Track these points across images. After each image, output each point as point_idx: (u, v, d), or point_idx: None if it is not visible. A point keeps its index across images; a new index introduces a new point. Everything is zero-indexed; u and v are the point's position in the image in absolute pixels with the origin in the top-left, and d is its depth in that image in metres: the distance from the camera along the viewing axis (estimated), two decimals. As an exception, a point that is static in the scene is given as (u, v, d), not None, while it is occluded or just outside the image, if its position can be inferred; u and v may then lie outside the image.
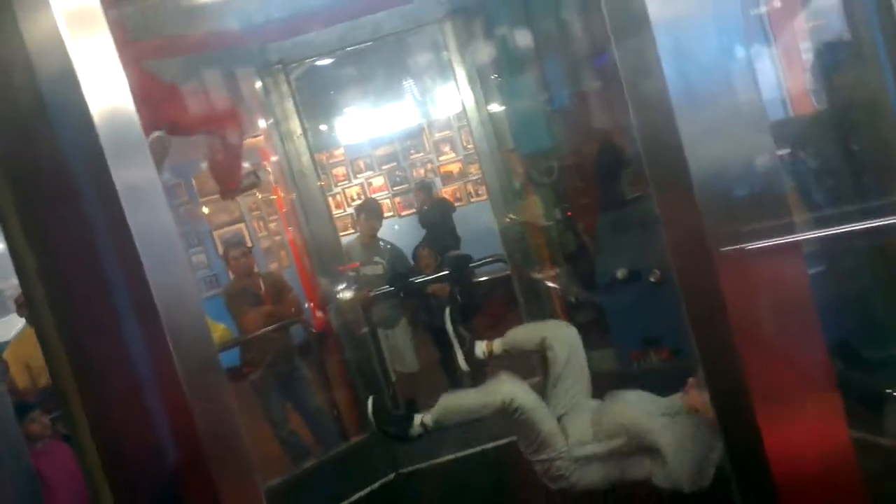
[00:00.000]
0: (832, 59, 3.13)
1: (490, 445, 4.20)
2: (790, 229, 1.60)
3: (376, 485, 4.19)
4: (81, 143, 1.31)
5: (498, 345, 3.43)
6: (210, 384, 1.39)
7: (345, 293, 4.66)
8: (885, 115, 2.43)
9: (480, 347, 3.47)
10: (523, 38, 4.81)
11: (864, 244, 2.82)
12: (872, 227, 2.43)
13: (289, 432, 4.69)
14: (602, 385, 3.18)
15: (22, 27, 1.30)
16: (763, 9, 5.15)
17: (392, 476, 4.30)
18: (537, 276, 4.67)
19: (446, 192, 8.63)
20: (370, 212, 5.49)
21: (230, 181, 4.06)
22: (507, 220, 4.74)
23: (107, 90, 1.35)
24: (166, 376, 1.34)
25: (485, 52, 4.73)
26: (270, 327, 4.63)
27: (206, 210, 8.23)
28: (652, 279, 3.94)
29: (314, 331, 4.93)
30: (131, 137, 1.37)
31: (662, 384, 2.92)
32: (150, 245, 1.35)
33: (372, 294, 4.94)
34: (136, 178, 1.36)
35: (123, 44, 1.45)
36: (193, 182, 8.18)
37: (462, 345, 3.62)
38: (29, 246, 1.34)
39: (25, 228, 1.34)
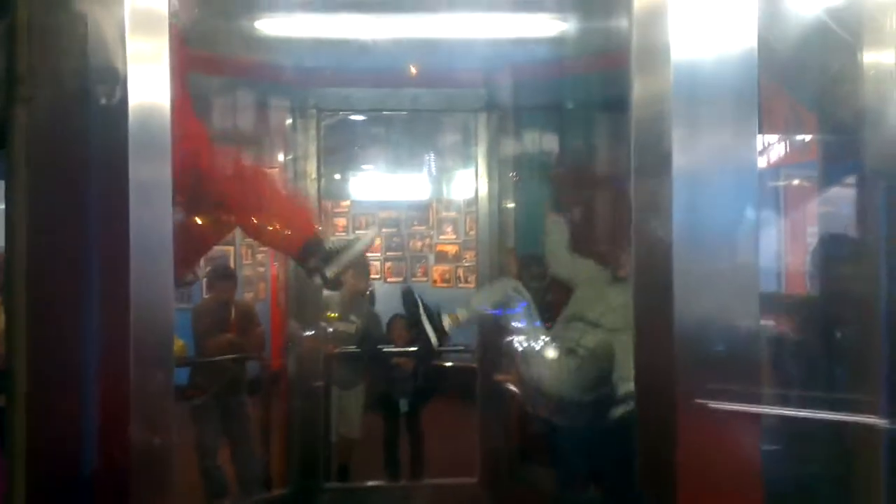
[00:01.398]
0: (834, 250, 3.22)
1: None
2: (756, 399, 1.62)
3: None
4: (111, 135, 1.33)
5: (462, 314, 3.53)
6: (156, 400, 1.38)
7: (312, 342, 4.62)
8: (872, 317, 2.48)
9: (447, 321, 3.55)
10: (549, 148, 4.96)
11: (823, 433, 2.84)
12: (837, 419, 2.46)
13: (215, 465, 4.57)
14: None
15: (90, 10, 1.35)
16: (781, 182, 5.33)
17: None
18: (501, 377, 4.65)
19: (437, 269, 8.68)
20: (360, 270, 5.50)
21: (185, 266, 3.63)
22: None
23: (149, 92, 1.39)
24: (115, 381, 1.33)
25: (509, 150, 4.86)
26: (229, 356, 4.57)
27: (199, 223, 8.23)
28: (612, 411, 3.92)
29: (270, 371, 4.87)
30: (159, 141, 1.40)
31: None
32: (143, 247, 1.36)
33: (337, 350, 4.90)
34: (150, 179, 1.38)
35: (177, 49, 1.50)
36: (196, 194, 8.21)
37: (431, 321, 3.75)
38: (27, 216, 1.35)
39: (30, 200, 1.35)
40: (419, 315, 3.85)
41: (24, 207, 1.35)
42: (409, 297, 4.02)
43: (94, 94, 1.33)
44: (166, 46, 1.41)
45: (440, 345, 4.13)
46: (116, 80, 1.33)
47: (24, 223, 1.35)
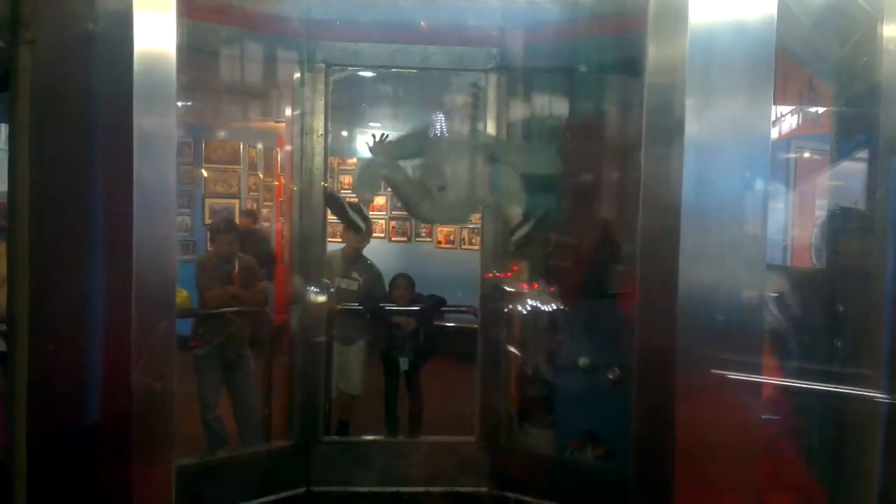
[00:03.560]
0: (843, 224, 3.20)
1: (406, 489, 4.16)
2: (757, 369, 1.62)
3: (284, 494, 4.11)
4: (116, 80, 1.32)
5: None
6: (158, 348, 1.38)
7: (315, 298, 4.63)
8: (877, 291, 2.47)
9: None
10: (558, 112, 4.89)
11: (820, 405, 2.85)
12: (838, 392, 2.47)
13: (215, 417, 4.63)
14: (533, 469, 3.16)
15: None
16: (793, 155, 5.28)
17: (302, 490, 4.22)
18: (502, 337, 4.67)
19: (442, 230, 8.66)
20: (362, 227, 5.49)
21: None
22: (489, 275, 4.76)
23: (155, 39, 1.36)
24: (118, 329, 1.33)
25: (519, 112, 4.80)
26: (231, 309, 4.59)
27: (205, 174, 8.23)
28: (610, 376, 3.95)
29: (272, 325, 4.89)
30: (164, 89, 1.38)
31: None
32: (147, 196, 1.35)
33: (340, 307, 4.92)
34: (154, 128, 1.37)
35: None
36: (203, 146, 8.19)
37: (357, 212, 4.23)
38: (30, 161, 1.34)
39: (32, 144, 1.34)
40: (345, 208, 4.21)
41: (26, 151, 1.34)
42: (333, 199, 4.46)
43: (98, 38, 1.31)
44: (173, -4, 1.38)
45: (367, 231, 4.62)
46: (122, 25, 1.31)
47: (27, 167, 1.34)
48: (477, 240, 7.49)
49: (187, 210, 7.99)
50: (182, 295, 4.56)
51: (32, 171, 1.33)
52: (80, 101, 1.33)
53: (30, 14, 1.31)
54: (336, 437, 4.79)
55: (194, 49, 4.22)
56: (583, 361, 4.23)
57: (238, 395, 4.76)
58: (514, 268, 4.85)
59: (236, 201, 8.23)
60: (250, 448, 4.47)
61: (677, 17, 1.62)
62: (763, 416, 1.70)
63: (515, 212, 4.18)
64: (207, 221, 7.89)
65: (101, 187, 1.33)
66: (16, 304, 1.38)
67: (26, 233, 1.35)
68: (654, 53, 1.72)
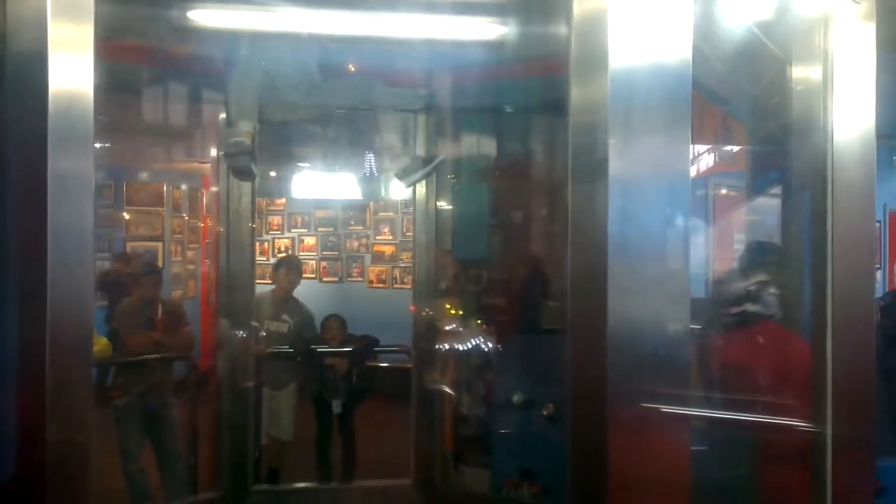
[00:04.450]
0: (759, 258, 3.32)
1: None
2: (685, 401, 1.65)
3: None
4: (30, 121, 1.27)
5: None
6: (75, 398, 1.31)
7: (243, 342, 4.52)
8: (796, 322, 2.57)
9: None
10: (486, 151, 4.97)
11: (745, 435, 2.92)
12: (758, 422, 2.53)
13: (138, 469, 4.42)
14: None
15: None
16: (711, 191, 5.48)
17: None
18: (436, 376, 4.65)
19: (373, 270, 8.62)
20: (290, 267, 5.43)
21: None
22: (424, 313, 4.75)
23: (72, 79, 1.32)
24: (31, 379, 1.26)
25: (447, 152, 4.85)
26: (155, 356, 4.43)
27: (127, 217, 8.00)
28: (544, 412, 3.97)
29: (198, 371, 4.74)
30: (81, 131, 1.33)
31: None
32: (62, 240, 1.29)
33: (269, 350, 4.81)
34: (71, 170, 1.32)
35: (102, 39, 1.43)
36: (124, 188, 7.97)
37: None
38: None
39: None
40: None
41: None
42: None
43: (11, 78, 1.26)
44: (91, 31, 1.34)
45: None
46: (36, 66, 1.26)
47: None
48: (408, 279, 7.51)
49: (107, 254, 7.74)
50: (101, 342, 4.38)
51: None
52: (-7, 142, 1.27)
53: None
54: (266, 486, 4.66)
55: (116, 89, 4.13)
56: (517, 398, 4.23)
57: (162, 445, 4.56)
58: (447, 305, 4.86)
59: (160, 244, 8.01)
60: (176, 501, 4.29)
61: (598, 60, 1.68)
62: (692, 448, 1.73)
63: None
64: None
65: (14, 232, 1.27)
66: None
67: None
68: (576, 95, 1.77)
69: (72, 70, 1.32)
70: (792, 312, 2.63)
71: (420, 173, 4.34)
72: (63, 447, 1.30)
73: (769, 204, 3.69)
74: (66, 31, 1.32)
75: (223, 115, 4.51)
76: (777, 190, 3.14)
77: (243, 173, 4.20)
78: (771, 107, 2.67)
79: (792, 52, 2.20)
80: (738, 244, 4.99)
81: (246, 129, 4.16)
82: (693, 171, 5.15)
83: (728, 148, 4.87)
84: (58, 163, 1.29)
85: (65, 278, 1.32)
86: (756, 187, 3.93)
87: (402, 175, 4.36)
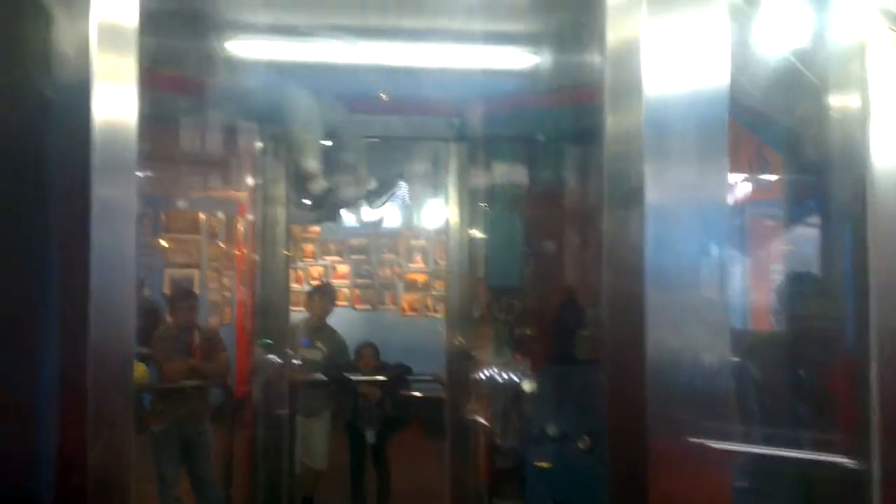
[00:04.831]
0: (798, 288, 3.26)
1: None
2: (727, 435, 1.61)
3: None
4: (74, 151, 1.30)
5: None
6: (116, 425, 1.33)
7: (278, 369, 4.54)
8: (836, 354, 2.50)
9: None
10: (519, 180, 4.98)
11: (786, 469, 2.84)
12: (804, 458, 2.47)
13: (174, 496, 4.44)
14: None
15: (55, 27, 1.32)
16: (747, 219, 5.41)
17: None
18: (469, 406, 4.61)
19: (406, 298, 8.63)
20: (325, 295, 5.46)
21: None
22: (457, 342, 4.73)
23: (115, 109, 1.35)
24: (73, 405, 1.28)
25: (480, 180, 4.87)
26: (191, 382, 4.47)
27: (165, 245, 8.14)
28: (580, 445, 3.91)
29: (234, 398, 4.77)
30: (124, 160, 1.36)
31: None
32: (104, 268, 1.32)
33: (303, 378, 4.83)
34: (113, 199, 1.34)
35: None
36: (163, 216, 8.12)
37: None
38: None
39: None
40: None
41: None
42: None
43: (56, 108, 1.29)
44: (134, 62, 1.38)
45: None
46: (81, 95, 1.30)
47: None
48: (441, 307, 7.50)
49: (146, 281, 7.86)
50: (139, 369, 4.43)
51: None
52: (37, 174, 1.31)
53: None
54: (300, 515, 4.64)
55: (154, 119, 4.22)
56: (552, 430, 4.18)
57: (198, 472, 4.58)
58: (480, 334, 4.84)
59: (196, 271, 8.12)
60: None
61: (632, 88, 1.67)
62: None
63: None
64: (166, 292, 7.77)
65: (57, 259, 1.30)
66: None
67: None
68: (611, 123, 1.76)
69: (115, 100, 1.36)
70: (832, 344, 2.56)
71: (386, 196, 4.22)
72: (104, 473, 1.31)
73: (807, 233, 3.63)
74: (110, 61, 1.35)
75: (259, 144, 4.59)
76: (815, 219, 3.09)
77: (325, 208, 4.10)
78: (808, 135, 2.64)
79: (829, 79, 2.17)
80: (776, 274, 4.91)
81: (315, 168, 4.08)
82: (730, 201, 5.09)
83: (765, 177, 4.81)
84: (101, 191, 1.32)
85: (107, 305, 1.34)
86: (793, 216, 3.87)
87: (370, 199, 4.22)
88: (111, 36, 1.39)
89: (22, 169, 1.35)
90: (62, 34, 1.35)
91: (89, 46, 1.35)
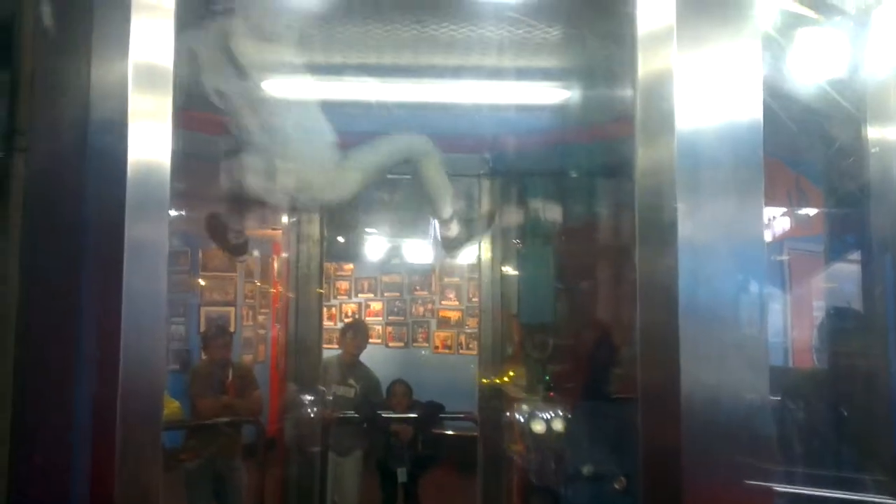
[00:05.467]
0: (840, 324, 3.18)
1: None
2: (766, 475, 1.55)
3: None
4: (108, 189, 1.32)
5: None
6: (143, 461, 1.32)
7: (310, 407, 4.54)
8: (881, 392, 2.42)
9: None
10: (551, 216, 4.96)
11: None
12: (849, 499, 2.37)
13: (206, 533, 4.44)
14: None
15: (94, 65, 1.35)
16: (786, 257, 5.31)
17: None
18: (502, 445, 4.54)
19: (439, 335, 8.60)
20: (358, 332, 5.46)
21: None
22: (489, 379, 4.69)
23: (150, 148, 1.38)
24: (101, 441, 1.28)
25: (512, 217, 4.86)
26: (224, 419, 4.48)
27: (202, 283, 8.24)
28: (616, 486, 3.81)
29: (266, 435, 4.76)
30: (157, 198, 1.38)
31: None
32: (136, 306, 1.32)
33: (336, 415, 4.81)
34: (146, 237, 1.36)
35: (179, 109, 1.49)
36: (200, 254, 8.24)
37: None
38: (20, 271, 1.33)
39: (23, 253, 1.33)
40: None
41: (16, 261, 1.33)
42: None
43: (93, 147, 1.32)
44: (169, 102, 1.40)
45: None
46: (116, 133, 1.32)
47: (17, 277, 1.33)
48: (474, 344, 7.46)
49: (182, 318, 7.95)
50: (172, 406, 4.46)
51: (21, 281, 1.32)
52: (72, 212, 1.33)
53: (25, 122, 1.33)
54: (331, 555, 4.59)
55: (192, 159, 4.30)
56: (587, 469, 4.09)
57: (229, 509, 4.58)
58: (512, 372, 4.79)
59: (232, 308, 8.19)
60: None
61: (664, 122, 1.66)
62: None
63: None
64: (202, 330, 7.84)
65: (90, 297, 1.31)
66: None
67: (12, 345, 1.32)
68: (643, 157, 1.74)
69: (150, 139, 1.38)
70: (877, 380, 2.48)
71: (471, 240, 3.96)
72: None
73: (848, 269, 3.55)
74: (145, 100, 1.38)
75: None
76: (856, 254, 3.03)
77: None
78: (846, 168, 2.59)
79: (867, 110, 2.14)
80: (817, 311, 4.80)
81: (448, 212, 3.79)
82: (768, 236, 5.02)
83: (804, 211, 4.73)
84: (134, 229, 1.34)
85: (138, 343, 1.34)
86: (833, 251, 3.79)
87: (452, 247, 3.93)
88: (148, 75, 1.42)
89: (60, 207, 1.37)
90: (100, 73, 1.38)
91: (127, 85, 1.38)
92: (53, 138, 1.34)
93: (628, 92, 1.80)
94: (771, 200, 4.45)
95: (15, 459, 1.30)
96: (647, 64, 1.72)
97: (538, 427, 4.54)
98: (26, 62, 1.37)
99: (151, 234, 1.38)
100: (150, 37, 1.43)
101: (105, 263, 1.32)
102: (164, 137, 1.42)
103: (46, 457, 1.33)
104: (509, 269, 4.87)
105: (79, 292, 1.31)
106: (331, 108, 3.89)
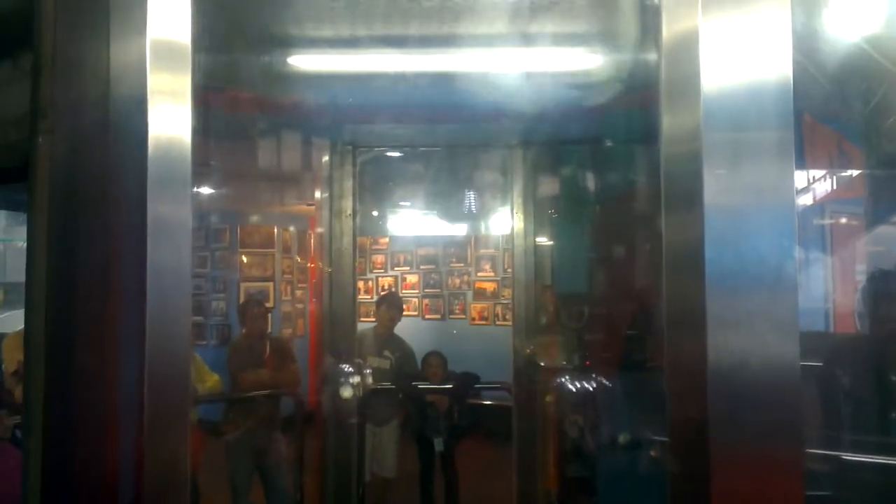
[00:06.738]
0: (885, 288, 3.10)
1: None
2: (797, 439, 1.53)
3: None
4: (129, 167, 1.34)
5: None
6: (172, 433, 1.35)
7: (347, 379, 4.59)
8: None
9: None
10: (586, 186, 4.91)
11: (875, 478, 2.70)
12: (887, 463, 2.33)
13: (247, 503, 4.54)
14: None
15: (112, 44, 1.37)
16: (828, 220, 5.19)
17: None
18: (537, 414, 4.55)
19: (475, 307, 8.62)
20: (391, 304, 5.51)
21: None
22: (525, 349, 4.69)
23: (170, 125, 1.39)
24: (129, 423, 1.31)
25: (546, 187, 4.82)
26: (263, 392, 4.56)
27: (244, 259, 8.36)
28: (652, 453, 3.80)
29: (305, 407, 4.84)
30: (179, 175, 1.40)
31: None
32: (160, 284, 1.35)
33: (372, 387, 4.86)
34: (169, 215, 1.38)
35: (201, 87, 1.50)
36: (238, 231, 8.36)
37: None
38: (48, 249, 1.36)
39: (51, 231, 1.36)
40: None
41: (44, 239, 1.36)
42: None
43: (113, 123, 1.34)
44: (189, 79, 1.41)
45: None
46: (137, 110, 1.34)
47: (45, 255, 1.36)
48: (510, 315, 7.45)
49: (223, 295, 8.09)
50: (213, 379, 4.55)
51: (50, 259, 1.35)
52: (96, 187, 1.35)
53: (47, 103, 1.35)
54: (371, 523, 4.67)
55: (228, 138, 4.35)
56: (623, 438, 4.08)
57: (270, 480, 4.68)
58: (549, 342, 4.78)
59: (271, 284, 8.31)
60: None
61: (689, 84, 1.62)
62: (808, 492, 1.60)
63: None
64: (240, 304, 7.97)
65: (116, 273, 1.34)
66: (32, 394, 1.37)
67: (42, 322, 1.35)
68: (668, 123, 1.71)
69: (170, 116, 1.39)
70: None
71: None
72: (160, 482, 1.34)
73: (892, 232, 3.46)
74: (165, 78, 1.39)
75: (325, 158, 4.67)
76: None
77: None
78: (886, 127, 2.51)
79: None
80: (860, 275, 4.69)
81: None
82: (808, 199, 4.89)
83: (846, 173, 4.60)
84: (157, 204, 1.36)
85: (162, 317, 1.37)
86: (876, 214, 3.69)
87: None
88: (166, 52, 1.43)
89: (85, 185, 1.40)
90: (119, 50, 1.39)
91: (145, 63, 1.39)
92: (76, 118, 1.36)
93: (653, 56, 1.76)
94: (813, 162, 4.34)
95: (46, 435, 1.34)
96: (671, 24, 1.68)
97: (573, 396, 4.54)
98: (47, 43, 1.39)
99: (174, 209, 1.40)
100: (168, 13, 1.44)
101: (129, 240, 1.34)
102: (185, 115, 1.43)
103: (75, 431, 1.37)
104: (543, 240, 4.84)
105: (105, 268, 1.33)
106: (357, 82, 3.90)
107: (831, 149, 4.24)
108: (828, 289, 4.52)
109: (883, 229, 3.77)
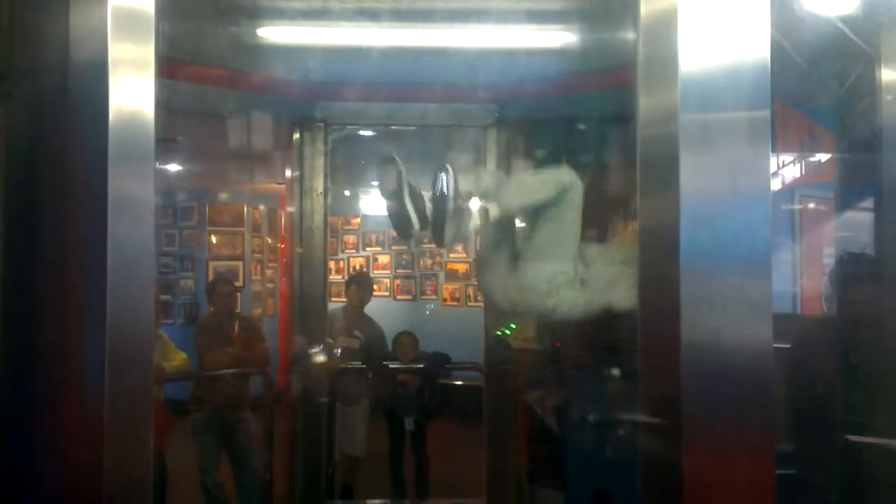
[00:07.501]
0: (851, 271, 3.14)
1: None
2: (768, 419, 1.54)
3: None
4: (90, 139, 1.29)
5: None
6: (134, 413, 1.32)
7: (317, 358, 4.56)
8: (892, 340, 2.39)
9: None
10: (559, 166, 4.88)
11: (838, 457, 2.75)
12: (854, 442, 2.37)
13: (215, 482, 4.51)
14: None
15: (72, 9, 1.31)
16: (797, 206, 5.24)
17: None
18: (508, 394, 4.56)
19: (447, 288, 8.61)
20: (361, 284, 5.47)
21: None
22: (496, 330, 4.68)
23: (132, 97, 1.34)
24: (89, 399, 1.27)
25: (519, 167, 4.79)
26: (231, 371, 4.51)
27: (213, 239, 8.25)
28: (621, 431, 3.83)
29: (274, 387, 4.80)
30: (140, 148, 1.35)
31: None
32: (122, 260, 1.30)
33: (342, 366, 4.84)
34: (131, 189, 1.33)
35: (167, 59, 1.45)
36: (207, 209, 8.24)
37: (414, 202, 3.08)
38: (3, 221, 1.30)
39: (6, 200, 1.30)
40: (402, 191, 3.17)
41: (1, 211, 1.31)
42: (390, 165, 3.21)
43: (73, 92, 1.28)
44: (152, 48, 1.36)
45: (422, 230, 3.22)
46: (97, 77, 1.28)
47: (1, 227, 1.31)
48: (482, 297, 7.45)
49: (191, 273, 7.98)
50: (180, 357, 4.49)
51: (3, 228, 1.29)
52: (55, 156, 1.30)
53: (4, 66, 1.29)
54: (340, 501, 4.66)
55: (196, 114, 4.26)
56: (592, 416, 4.11)
57: (239, 459, 4.64)
58: (518, 324, 4.77)
59: (240, 263, 8.21)
60: (252, 516, 4.34)
61: (667, 65, 1.60)
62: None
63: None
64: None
65: (74, 245, 1.29)
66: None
67: (-1, 296, 1.30)
68: (645, 103, 1.70)
69: (132, 86, 1.34)
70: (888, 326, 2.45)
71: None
72: (121, 461, 1.31)
73: (860, 217, 3.49)
74: (127, 46, 1.34)
75: (296, 136, 4.59)
76: (868, 200, 2.97)
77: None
78: (860, 110, 2.52)
79: (881, 50, 2.06)
80: (828, 258, 4.75)
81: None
82: (778, 184, 4.93)
83: (815, 157, 4.64)
84: (118, 177, 1.31)
85: (125, 295, 1.33)
86: (845, 197, 3.73)
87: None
88: (128, 19, 1.37)
89: (42, 155, 1.34)
90: (79, 17, 1.33)
91: (106, 28, 1.33)
92: (34, 83, 1.31)
93: (630, 34, 1.74)
94: (782, 145, 4.37)
95: (2, 412, 1.30)
96: (649, 4, 1.66)
97: (544, 376, 4.55)
98: (4, 6, 1.33)
99: (137, 183, 1.35)
100: (130, -21, 1.38)
101: (89, 215, 1.29)
102: (147, 85, 1.38)
103: (32, 410, 1.33)
104: (517, 221, 4.81)
105: (63, 244, 1.28)
106: (329, 56, 3.83)
107: (803, 132, 4.27)
108: (796, 272, 4.58)
109: (852, 214, 3.81)
